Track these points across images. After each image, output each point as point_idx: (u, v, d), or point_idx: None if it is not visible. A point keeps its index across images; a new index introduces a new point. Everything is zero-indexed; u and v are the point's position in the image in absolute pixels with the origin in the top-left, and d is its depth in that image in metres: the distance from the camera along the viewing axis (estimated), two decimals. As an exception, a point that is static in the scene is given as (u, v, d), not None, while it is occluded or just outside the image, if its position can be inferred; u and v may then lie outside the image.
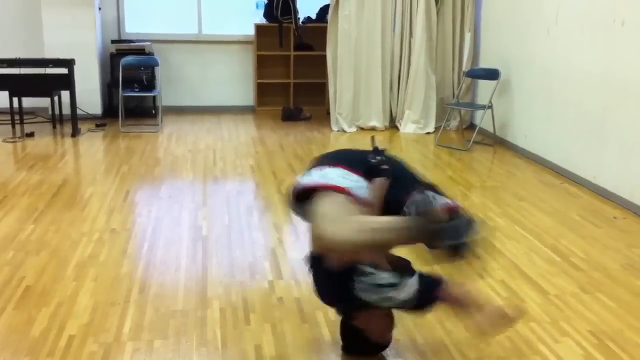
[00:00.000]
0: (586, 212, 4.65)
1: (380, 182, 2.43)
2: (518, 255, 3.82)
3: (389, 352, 2.73)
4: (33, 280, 3.33)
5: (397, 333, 2.87)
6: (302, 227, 4.13)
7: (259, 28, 8.16)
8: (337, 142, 6.90)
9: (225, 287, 3.30)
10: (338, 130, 7.39)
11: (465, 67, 7.39)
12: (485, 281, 3.45)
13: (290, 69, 8.34)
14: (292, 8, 7.99)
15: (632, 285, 3.46)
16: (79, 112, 6.99)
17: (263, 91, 8.40)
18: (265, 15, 8.16)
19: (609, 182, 4.93)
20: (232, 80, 8.42)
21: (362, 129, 7.48)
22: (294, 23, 8.05)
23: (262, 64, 8.30)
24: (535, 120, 6.11)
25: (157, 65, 7.46)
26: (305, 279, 3.42)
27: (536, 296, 3.29)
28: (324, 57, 7.52)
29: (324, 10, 8.17)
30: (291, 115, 7.93)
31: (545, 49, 5.88)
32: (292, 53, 8.27)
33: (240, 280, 3.39)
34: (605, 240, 4.12)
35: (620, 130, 4.80)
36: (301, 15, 8.24)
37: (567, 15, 5.52)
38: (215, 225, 4.22)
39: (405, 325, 2.95)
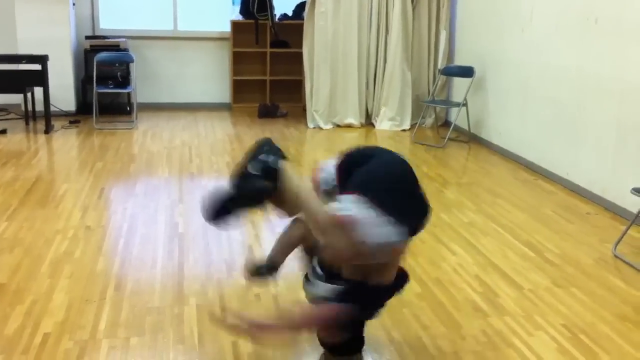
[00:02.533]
0: (560, 208, 4.71)
1: None
2: (492, 251, 3.86)
3: (365, 348, 2.74)
4: (7, 278, 3.29)
5: (373, 329, 2.89)
6: (278, 224, 4.14)
7: (235, 25, 8.13)
8: (314, 139, 6.91)
9: (201, 284, 3.29)
10: (314, 127, 7.40)
11: (441, 64, 7.44)
12: (460, 276, 3.49)
13: (267, 66, 8.33)
14: (268, 5, 7.98)
15: (605, 279, 3.52)
16: (52, 108, 6.92)
17: (239, 88, 8.38)
18: (242, 11, 8.14)
19: (582, 179, 5.00)
20: (208, 77, 8.38)
21: (338, 126, 7.50)
22: (270, 20, 8.04)
23: (238, 60, 8.28)
24: (510, 118, 6.17)
25: (132, 61, 7.40)
26: (282, 275, 3.42)
27: (510, 291, 3.33)
28: (301, 54, 7.53)
29: (300, 7, 8.17)
30: (267, 112, 7.92)
31: (520, 46, 5.94)
32: (269, 50, 8.26)
33: (217, 277, 3.38)
34: (578, 235, 4.18)
35: (594, 127, 4.87)
36: (277, 12, 8.23)
37: (542, 13, 5.58)
38: (192, 222, 4.20)
39: (381, 321, 2.97)
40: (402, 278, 2.48)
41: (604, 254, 3.86)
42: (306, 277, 2.53)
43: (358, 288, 2.34)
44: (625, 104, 4.50)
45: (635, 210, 4.02)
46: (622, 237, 3.93)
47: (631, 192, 3.76)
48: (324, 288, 2.40)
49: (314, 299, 2.47)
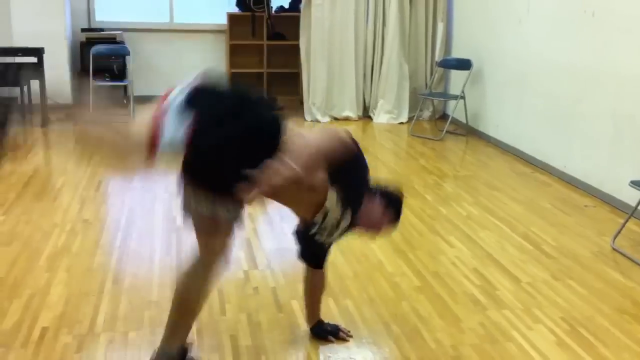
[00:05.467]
0: (557, 201, 4.71)
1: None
2: (490, 244, 3.86)
3: (364, 341, 2.74)
4: (4, 272, 3.28)
5: (371, 321, 2.89)
6: (277, 217, 4.13)
7: (231, 17, 8.10)
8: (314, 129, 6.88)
9: (200, 278, 3.28)
10: (312, 120, 7.38)
11: (438, 57, 7.43)
12: (459, 269, 3.49)
13: (264, 59, 8.30)
14: (264, -3, 7.94)
15: (602, 272, 3.52)
16: (48, 101, 6.89)
17: (236, 81, 8.35)
18: (238, 4, 8.10)
19: (579, 171, 5.00)
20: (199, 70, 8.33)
21: (335, 118, 7.49)
22: (266, 12, 8.01)
23: (234, 53, 8.25)
24: (507, 110, 6.17)
25: (128, 54, 7.37)
26: (280, 268, 3.42)
27: (509, 284, 3.34)
28: (297, 46, 7.50)
29: (296, 0, 8.14)
30: (264, 105, 7.88)
31: (517, 39, 5.93)
32: (265, 42, 8.22)
33: (215, 271, 3.37)
34: (576, 228, 4.18)
35: (591, 120, 4.86)
36: (274, 4, 8.20)
37: (539, 6, 5.57)
38: (189, 216, 4.19)
39: (380, 313, 2.97)
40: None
41: (602, 247, 3.87)
42: (314, 235, 2.40)
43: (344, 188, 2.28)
44: (621, 96, 4.50)
45: (633, 203, 4.02)
46: (620, 230, 3.93)
47: (629, 184, 3.76)
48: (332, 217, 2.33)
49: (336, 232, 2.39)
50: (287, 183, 1.95)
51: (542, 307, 3.09)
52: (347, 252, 3.65)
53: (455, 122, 7.00)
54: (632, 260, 3.67)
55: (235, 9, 8.13)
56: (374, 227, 2.38)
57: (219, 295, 3.10)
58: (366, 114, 7.64)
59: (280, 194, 2.18)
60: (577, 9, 4.99)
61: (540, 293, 3.25)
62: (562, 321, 2.96)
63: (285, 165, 1.95)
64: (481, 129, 6.69)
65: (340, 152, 2.14)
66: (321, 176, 2.21)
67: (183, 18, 8.20)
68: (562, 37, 5.23)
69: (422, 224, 4.16)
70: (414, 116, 7.29)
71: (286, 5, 8.33)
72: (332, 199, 2.26)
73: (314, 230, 2.36)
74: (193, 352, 2.51)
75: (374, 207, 2.33)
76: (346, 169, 2.21)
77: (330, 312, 2.96)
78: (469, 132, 6.82)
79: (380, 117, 7.44)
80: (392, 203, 2.36)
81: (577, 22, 4.99)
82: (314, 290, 2.72)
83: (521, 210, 4.50)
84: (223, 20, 8.15)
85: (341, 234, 2.40)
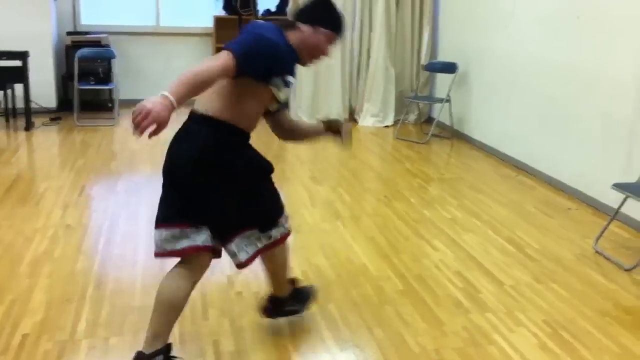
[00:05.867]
0: (541, 204, 4.73)
1: None
2: (474, 247, 3.88)
3: (347, 345, 2.74)
4: (-15, 278, 3.25)
5: (355, 325, 2.89)
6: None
7: (218, 20, 8.09)
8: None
9: (183, 282, 3.27)
10: (298, 124, 7.37)
11: (424, 60, 7.45)
12: (442, 272, 3.49)
13: (250, 62, 8.28)
14: (251, 0, 7.94)
15: (585, 275, 3.54)
16: (33, 105, 6.85)
17: (222, 84, 8.33)
18: (225, 7, 8.10)
19: (563, 174, 5.03)
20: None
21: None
22: (253, 15, 8.00)
23: (221, 56, 8.22)
24: (492, 114, 6.19)
25: (113, 57, 7.34)
26: (264, 272, 3.41)
27: (492, 287, 3.35)
28: (284, 50, 7.49)
29: (284, 3, 8.14)
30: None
31: (503, 42, 5.96)
32: (252, 46, 8.20)
33: (198, 275, 3.36)
34: (559, 231, 4.20)
35: (576, 123, 4.89)
36: (261, 8, 8.19)
37: (524, 8, 5.60)
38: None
39: (363, 317, 2.97)
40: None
41: (585, 250, 3.89)
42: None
43: None
44: (608, 99, 4.52)
45: (616, 206, 4.05)
46: (602, 233, 3.96)
47: (612, 187, 3.78)
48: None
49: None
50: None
51: (524, 310, 3.10)
52: (332, 257, 3.65)
53: (440, 125, 7.02)
54: (614, 263, 3.69)
55: (222, 12, 8.12)
56: (318, 53, 2.49)
57: (201, 300, 3.09)
58: (352, 118, 7.65)
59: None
60: (563, 12, 5.02)
61: (523, 296, 3.26)
62: (545, 324, 2.98)
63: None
64: (466, 132, 6.71)
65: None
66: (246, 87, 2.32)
67: (169, 21, 8.19)
68: (548, 39, 5.26)
69: (406, 228, 4.17)
70: (399, 119, 7.31)
71: (273, 9, 8.34)
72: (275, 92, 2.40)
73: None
74: (176, 355, 2.50)
75: (304, 37, 2.44)
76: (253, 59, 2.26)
77: (313, 316, 2.95)
78: (455, 135, 6.84)
79: (366, 121, 7.46)
80: (318, 21, 2.45)
81: (564, 25, 5.02)
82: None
83: (505, 213, 4.51)
84: (210, 24, 8.14)
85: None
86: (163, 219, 2.37)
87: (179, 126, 2.43)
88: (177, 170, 2.36)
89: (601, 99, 4.58)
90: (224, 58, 2.19)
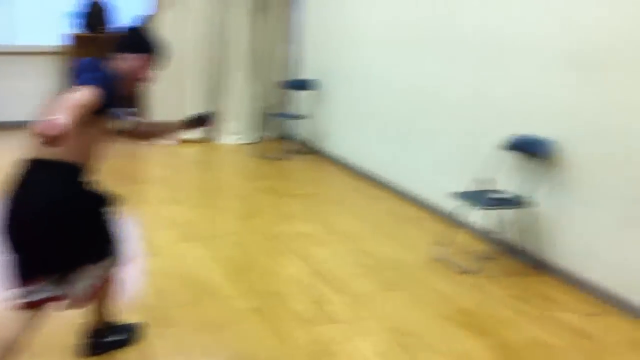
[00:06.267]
0: (391, 214, 4.92)
1: None
2: (327, 260, 3.95)
3: (195, 366, 2.71)
4: None
5: (202, 347, 2.87)
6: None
7: (71, 38, 7.79)
8: (159, 152, 6.72)
9: None
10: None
11: (285, 78, 7.55)
12: (294, 287, 3.54)
13: (106, 81, 8.04)
14: (106, 18, 7.74)
15: (430, 281, 3.71)
16: None
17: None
18: (78, 25, 7.83)
19: (413, 185, 5.26)
20: (41, 94, 7.95)
21: (183, 141, 7.39)
22: (108, 34, 7.79)
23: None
24: (349, 130, 6.37)
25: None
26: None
27: (341, 298, 3.42)
28: (141, 68, 7.33)
29: (142, 20, 7.98)
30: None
31: (359, 61, 6.16)
32: (108, 65, 7.98)
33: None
34: (407, 240, 4.38)
35: (424, 137, 5.14)
36: (119, 25, 7.99)
37: (378, 30, 5.83)
38: None
39: (214, 338, 2.95)
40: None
41: (430, 257, 4.07)
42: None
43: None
44: (449, 116, 4.80)
45: (459, 214, 4.28)
46: (446, 240, 4.17)
47: (448, 196, 4.00)
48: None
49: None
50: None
51: (371, 319, 3.20)
52: (185, 278, 3.60)
53: (300, 142, 7.14)
54: (457, 268, 3.89)
55: (75, 30, 7.84)
56: (137, 77, 2.57)
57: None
58: (214, 135, 7.61)
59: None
60: (411, 34, 5.27)
61: (371, 305, 3.36)
62: (390, 332, 3.08)
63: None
64: (326, 148, 6.87)
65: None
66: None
67: (17, 39, 7.80)
68: (397, 59, 5.49)
69: (262, 245, 4.20)
70: (260, 137, 7.35)
71: (126, 25, 8.15)
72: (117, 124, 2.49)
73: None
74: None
75: (122, 65, 2.52)
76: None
77: (151, 343, 2.89)
78: (314, 151, 6.97)
79: (228, 138, 7.45)
80: (132, 48, 2.57)
81: (411, 46, 5.28)
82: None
83: (358, 225, 4.65)
84: (62, 42, 7.83)
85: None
86: (18, 277, 2.34)
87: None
88: (25, 224, 2.30)
89: (444, 116, 4.85)
90: (89, 93, 2.15)
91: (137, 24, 2.69)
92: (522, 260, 4.05)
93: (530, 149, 3.94)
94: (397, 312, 3.29)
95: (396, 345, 2.96)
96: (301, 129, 6.99)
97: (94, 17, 7.73)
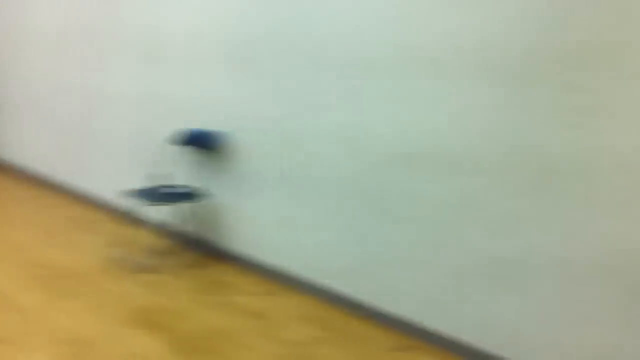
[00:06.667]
0: (70, 221, 4.68)
1: None
2: (-7, 277, 3.63)
3: None
4: None
5: None
6: None
7: None
8: None
9: None
10: None
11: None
12: (-49, 312, 3.17)
13: None
14: None
15: (108, 285, 3.59)
16: None
17: None
18: None
19: (92, 187, 5.06)
20: None
21: None
22: None
23: None
24: (24, 133, 5.90)
25: None
26: None
27: (12, 315, 3.15)
28: None
29: None
30: None
31: (31, 63, 5.73)
32: None
33: None
34: (86, 245, 4.20)
35: (99, 137, 4.95)
36: None
37: (47, 30, 5.46)
38: None
39: None
40: None
41: (107, 259, 3.95)
42: None
43: None
44: (121, 115, 4.69)
45: (134, 212, 4.21)
46: (123, 240, 4.08)
47: (119, 194, 3.91)
48: None
49: None
50: None
51: (42, 334, 3.00)
52: None
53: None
54: (134, 267, 3.83)
55: None
56: None
57: None
58: None
59: None
60: (82, 35, 5.03)
61: (41, 319, 3.15)
62: (63, 344, 2.91)
63: None
64: (4, 156, 6.29)
65: None
66: None
67: None
68: (67, 58, 5.21)
69: None
70: None
71: None
72: None
73: None
74: None
75: None
76: None
77: None
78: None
79: None
80: None
81: (81, 48, 5.04)
82: None
83: (30, 235, 4.33)
84: None
85: None
86: None
87: None
88: None
89: (114, 114, 4.73)
90: None
91: None
92: (203, 251, 4.13)
93: (200, 143, 4.02)
94: (70, 322, 3.13)
95: (70, 356, 2.81)
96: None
97: None
